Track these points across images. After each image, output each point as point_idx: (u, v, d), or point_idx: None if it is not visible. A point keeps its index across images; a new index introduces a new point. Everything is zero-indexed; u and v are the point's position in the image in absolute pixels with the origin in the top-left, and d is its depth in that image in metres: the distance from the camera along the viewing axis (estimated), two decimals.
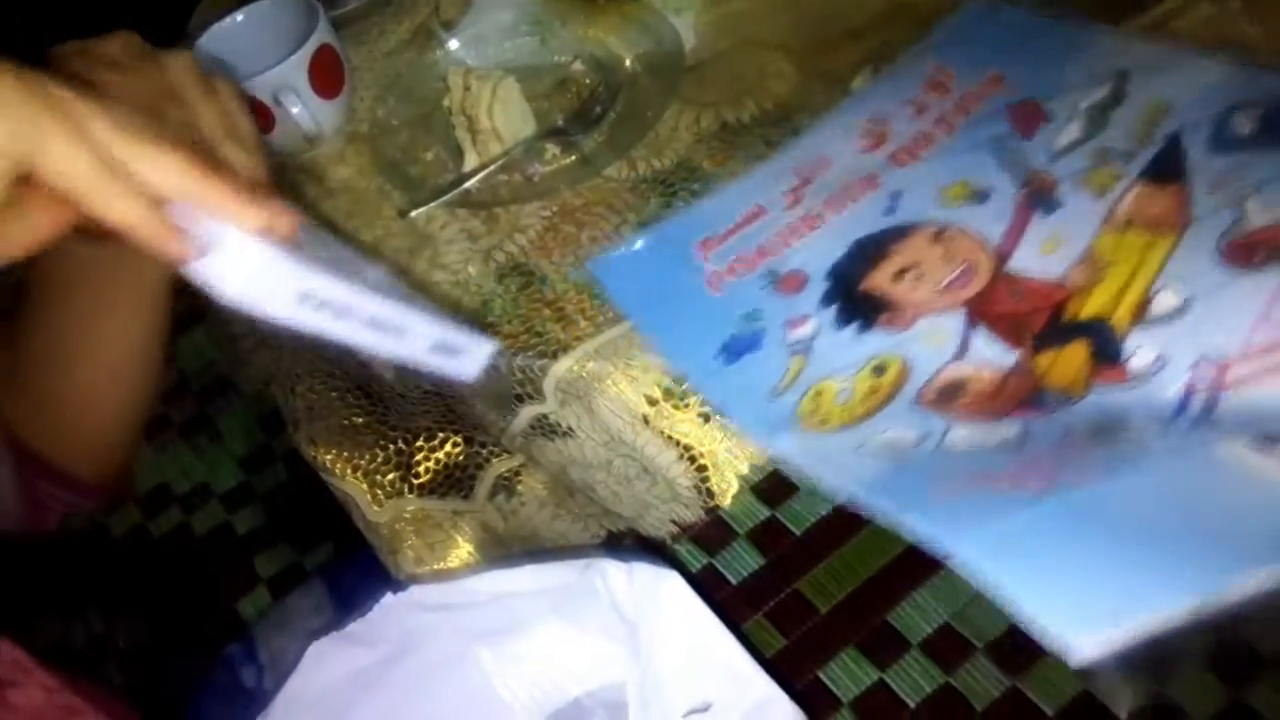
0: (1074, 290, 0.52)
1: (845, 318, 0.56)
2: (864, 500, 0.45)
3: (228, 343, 0.89)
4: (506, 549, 0.71)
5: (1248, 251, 0.47)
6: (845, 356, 0.54)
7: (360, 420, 0.77)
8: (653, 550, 0.75)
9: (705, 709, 0.51)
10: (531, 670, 0.54)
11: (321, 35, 0.74)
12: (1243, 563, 0.37)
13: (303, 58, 0.73)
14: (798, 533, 1.37)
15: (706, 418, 0.58)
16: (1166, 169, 0.54)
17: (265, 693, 0.67)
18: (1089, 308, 0.51)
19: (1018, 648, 1.22)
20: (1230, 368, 0.44)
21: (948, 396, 0.50)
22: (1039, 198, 0.57)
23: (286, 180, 0.77)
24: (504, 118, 0.69)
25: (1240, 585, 0.37)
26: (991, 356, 0.51)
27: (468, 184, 0.69)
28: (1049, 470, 0.43)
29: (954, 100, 0.64)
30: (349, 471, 0.72)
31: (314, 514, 1.48)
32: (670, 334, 0.59)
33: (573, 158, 0.70)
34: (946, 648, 1.24)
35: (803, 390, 0.53)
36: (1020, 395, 0.49)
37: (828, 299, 0.57)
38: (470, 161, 0.70)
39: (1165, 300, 0.48)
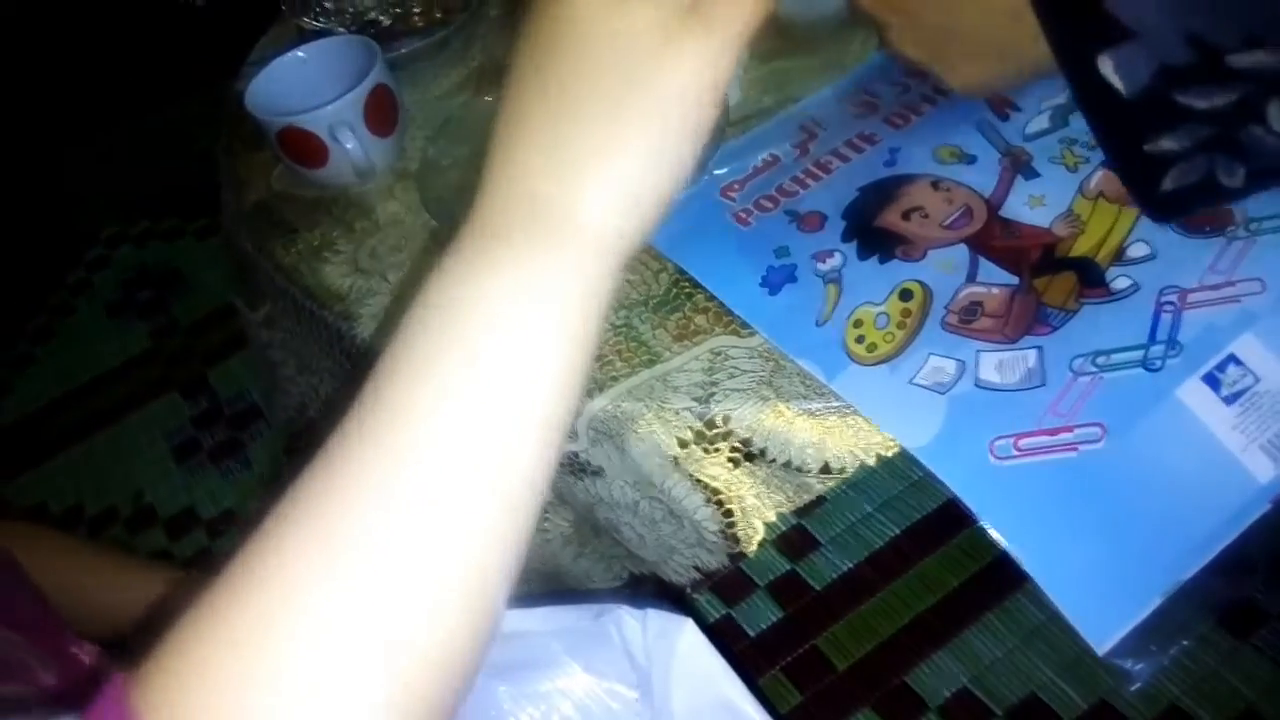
0: (1060, 238, 0.60)
1: (866, 251, 0.63)
2: (924, 462, 0.52)
3: (266, 369, 0.91)
4: (528, 584, 0.71)
5: (1200, 224, 0.58)
6: (874, 284, 0.60)
7: None
8: (672, 599, 0.75)
9: None
10: (546, 709, 0.54)
11: (378, 75, 0.76)
12: (1210, 538, 0.49)
13: (359, 96, 0.75)
14: (818, 588, 1.36)
15: (736, 462, 0.59)
16: None
17: None
18: (1075, 250, 0.60)
19: (1036, 716, 1.20)
20: (1189, 295, 0.55)
21: (969, 315, 0.58)
22: (1019, 167, 0.65)
23: (337, 213, 0.79)
24: None
25: (1206, 558, 0.49)
26: (999, 279, 0.59)
27: None
28: (1069, 414, 0.53)
29: (933, 83, 0.69)
30: None
31: None
32: (714, 268, 0.65)
33: None
34: (964, 713, 1.22)
35: (844, 318, 0.59)
36: (1027, 312, 0.57)
37: (847, 235, 0.64)
38: None
39: (1137, 249, 0.59)
